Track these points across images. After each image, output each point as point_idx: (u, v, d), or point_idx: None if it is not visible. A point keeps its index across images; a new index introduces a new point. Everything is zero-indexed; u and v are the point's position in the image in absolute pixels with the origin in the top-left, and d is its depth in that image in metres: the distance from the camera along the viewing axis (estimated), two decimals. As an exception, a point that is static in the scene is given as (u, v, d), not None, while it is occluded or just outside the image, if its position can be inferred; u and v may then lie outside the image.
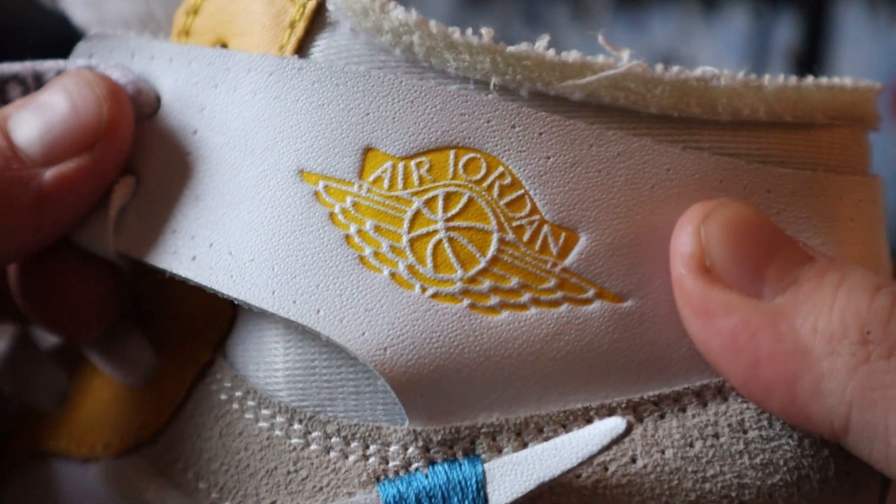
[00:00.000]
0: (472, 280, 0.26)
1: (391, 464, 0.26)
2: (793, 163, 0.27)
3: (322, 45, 0.27)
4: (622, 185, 0.26)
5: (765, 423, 0.26)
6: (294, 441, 0.27)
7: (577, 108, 0.26)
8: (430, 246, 0.26)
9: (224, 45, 0.29)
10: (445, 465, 0.25)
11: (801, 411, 0.24)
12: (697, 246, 0.25)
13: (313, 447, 0.26)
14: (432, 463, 0.26)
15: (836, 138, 0.28)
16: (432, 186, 0.26)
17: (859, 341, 0.24)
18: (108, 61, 0.29)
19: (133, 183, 0.28)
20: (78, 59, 0.30)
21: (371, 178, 0.26)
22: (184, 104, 0.28)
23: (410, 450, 0.26)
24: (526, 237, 0.26)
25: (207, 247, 0.27)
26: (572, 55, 0.26)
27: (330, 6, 0.27)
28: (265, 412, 0.27)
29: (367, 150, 0.26)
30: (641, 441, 0.26)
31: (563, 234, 0.26)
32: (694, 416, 0.26)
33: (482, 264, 0.26)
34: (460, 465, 0.25)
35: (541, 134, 0.26)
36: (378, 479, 0.26)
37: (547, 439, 0.26)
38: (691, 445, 0.26)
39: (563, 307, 0.26)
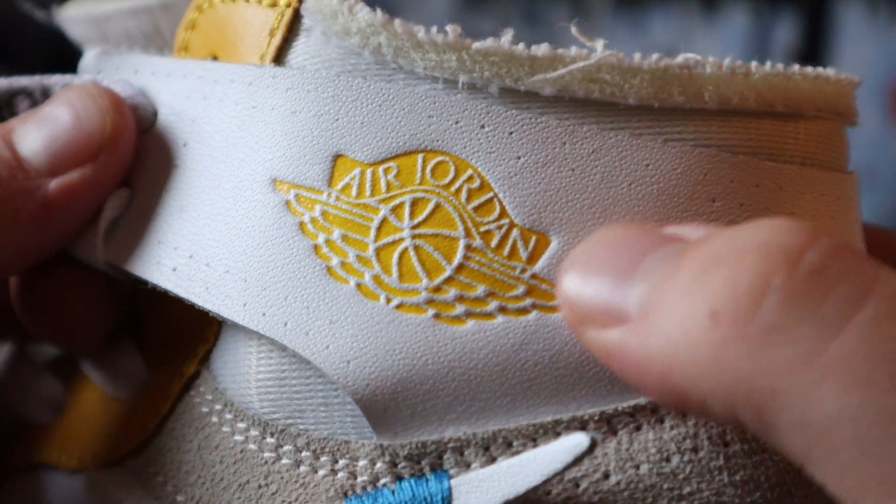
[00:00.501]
0: (438, 289, 0.25)
1: (359, 479, 0.25)
2: (783, 155, 0.26)
3: (298, 52, 0.27)
4: (597, 183, 0.25)
5: (748, 435, 0.24)
6: (266, 455, 0.26)
7: (549, 103, 0.25)
8: (395, 255, 0.25)
9: (216, 58, 0.29)
10: (412, 481, 0.25)
11: (705, 415, 0.22)
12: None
13: (284, 461, 0.26)
14: (399, 478, 0.25)
15: (822, 131, 0.26)
16: (399, 193, 0.25)
17: (710, 326, 0.21)
18: (112, 77, 0.30)
19: (127, 194, 0.29)
20: (85, 75, 0.30)
21: (340, 186, 0.26)
22: (177, 117, 0.28)
23: (378, 465, 0.25)
24: (494, 242, 0.25)
25: (188, 258, 0.27)
26: (542, 48, 0.25)
27: (303, 11, 0.27)
28: (241, 425, 0.27)
29: (337, 157, 0.26)
30: (615, 456, 0.24)
31: (534, 238, 0.25)
32: (672, 427, 0.24)
33: (448, 272, 0.25)
34: (427, 480, 0.25)
35: (511, 133, 0.25)
36: (346, 495, 0.25)
37: (516, 454, 0.25)
38: (668, 460, 0.24)
39: (532, 315, 0.25)
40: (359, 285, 0.25)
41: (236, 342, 0.27)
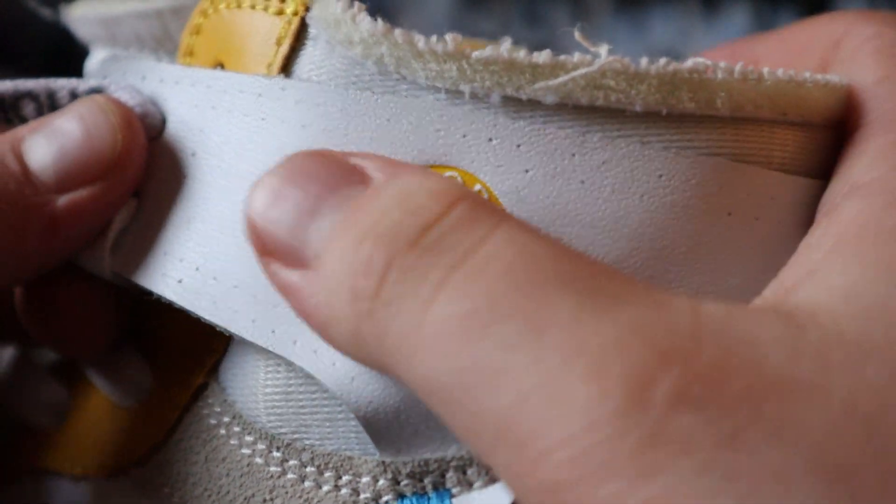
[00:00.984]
0: None
1: (362, 496, 0.25)
2: (796, 168, 0.25)
3: (305, 61, 0.27)
4: (608, 196, 0.24)
5: None
6: (272, 469, 0.26)
7: (553, 111, 0.24)
8: None
9: (221, 65, 0.29)
10: (414, 499, 0.25)
11: None
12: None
13: (289, 476, 0.26)
14: (402, 496, 0.25)
15: (830, 142, 0.26)
16: None
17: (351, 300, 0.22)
18: (119, 83, 0.30)
19: (135, 205, 0.29)
20: (91, 80, 0.30)
21: None
22: (186, 126, 0.28)
23: (381, 482, 0.25)
24: None
25: (194, 270, 0.27)
26: (543, 55, 0.24)
27: (308, 20, 0.26)
28: (248, 438, 0.27)
29: None
30: None
31: None
32: None
33: None
34: (429, 499, 0.25)
35: (519, 146, 0.24)
36: None
37: None
38: None
39: None
40: None
41: (245, 355, 0.27)
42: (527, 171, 0.24)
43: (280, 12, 0.27)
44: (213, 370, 0.28)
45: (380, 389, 0.25)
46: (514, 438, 0.19)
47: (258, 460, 0.27)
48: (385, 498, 0.25)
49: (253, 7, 0.28)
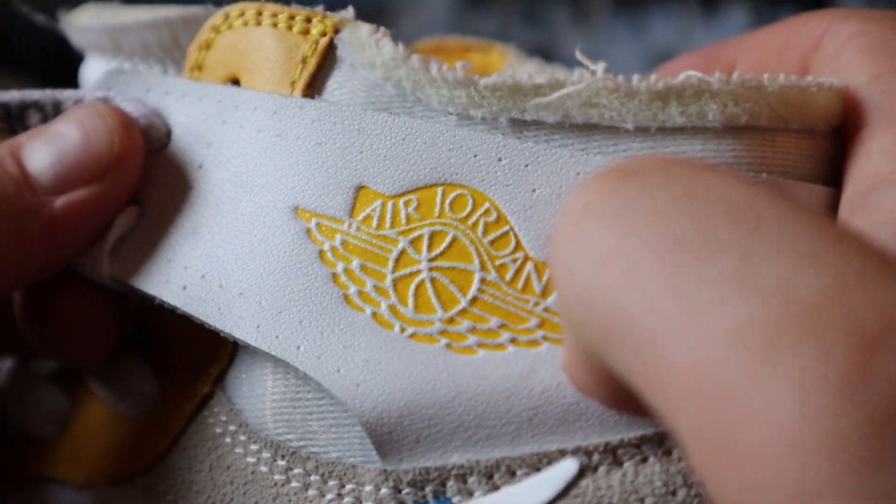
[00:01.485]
0: (451, 320, 0.25)
1: None
2: (798, 174, 0.26)
3: (332, 82, 0.27)
4: None
5: None
6: (276, 477, 0.27)
7: (554, 130, 0.26)
8: (412, 286, 0.26)
9: (236, 81, 0.29)
10: None
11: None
12: None
13: (293, 484, 0.27)
14: None
15: (830, 146, 0.26)
16: (419, 225, 0.26)
17: None
18: (124, 94, 0.30)
19: (136, 212, 0.29)
20: (97, 91, 0.30)
21: (361, 217, 0.26)
22: (193, 139, 0.29)
23: (382, 490, 0.26)
24: (508, 276, 0.25)
25: (199, 278, 0.27)
26: (545, 76, 0.25)
27: (337, 41, 0.27)
28: (253, 447, 0.27)
29: (360, 189, 0.26)
30: (620, 488, 0.24)
31: (549, 272, 0.25)
32: (680, 459, 0.24)
33: (462, 304, 0.25)
34: (431, 507, 0.25)
35: (526, 166, 0.25)
36: None
37: (520, 483, 0.25)
38: (674, 494, 0.24)
39: (544, 346, 0.25)
40: (374, 314, 0.26)
41: (252, 363, 0.28)
42: (534, 190, 0.25)
43: (305, 32, 0.28)
44: (219, 380, 0.29)
45: (385, 395, 0.25)
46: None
47: (263, 468, 0.27)
48: None
49: (275, 25, 0.28)
